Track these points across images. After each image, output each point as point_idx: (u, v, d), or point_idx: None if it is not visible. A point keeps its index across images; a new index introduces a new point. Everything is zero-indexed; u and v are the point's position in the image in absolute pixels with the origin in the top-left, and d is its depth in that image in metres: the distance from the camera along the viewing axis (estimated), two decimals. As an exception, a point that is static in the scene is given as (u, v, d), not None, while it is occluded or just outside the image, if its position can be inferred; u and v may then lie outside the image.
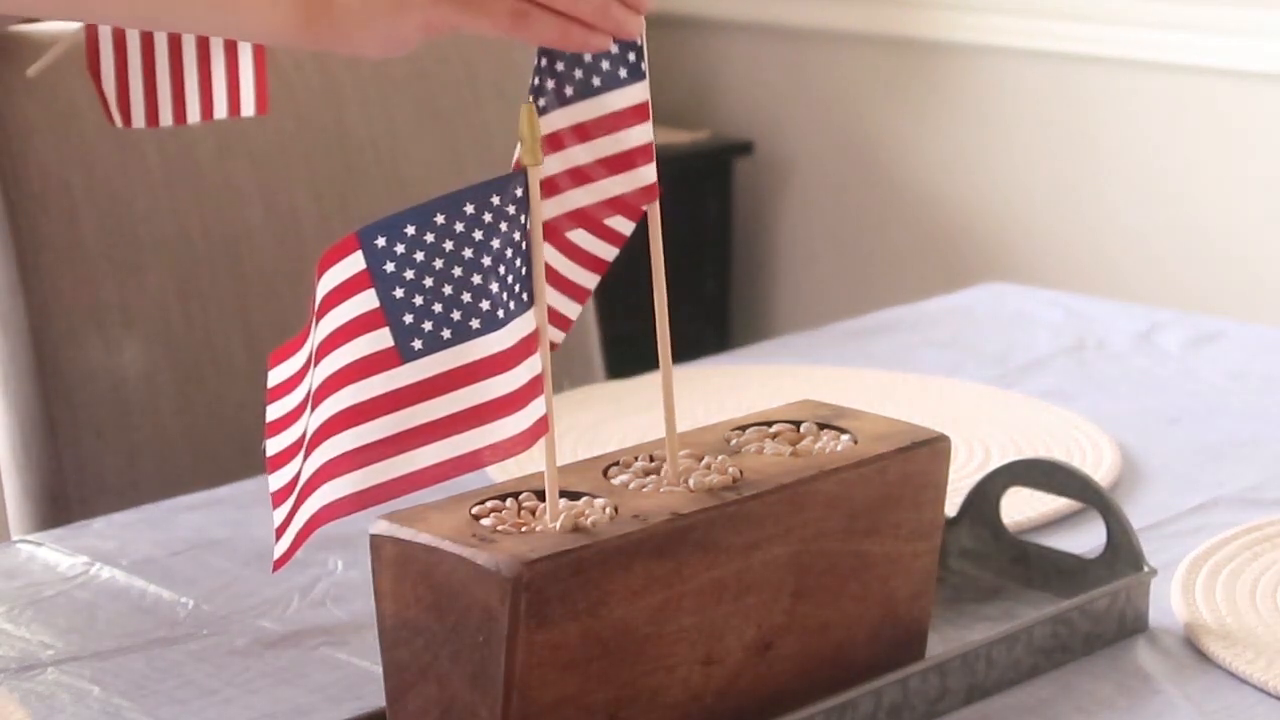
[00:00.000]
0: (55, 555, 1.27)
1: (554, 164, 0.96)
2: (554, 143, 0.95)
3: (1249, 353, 1.71)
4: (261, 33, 1.00)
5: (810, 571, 0.99)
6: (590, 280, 1.01)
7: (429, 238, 0.88)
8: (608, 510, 0.94)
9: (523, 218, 0.90)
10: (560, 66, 0.95)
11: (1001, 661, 1.06)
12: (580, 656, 0.90)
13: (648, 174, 0.97)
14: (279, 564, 0.89)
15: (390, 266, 0.87)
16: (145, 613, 1.18)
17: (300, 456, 0.89)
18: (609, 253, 1.01)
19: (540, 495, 0.95)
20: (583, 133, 0.95)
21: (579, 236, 0.99)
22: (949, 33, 3.31)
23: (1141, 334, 1.77)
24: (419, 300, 0.88)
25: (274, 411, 0.90)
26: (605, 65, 0.95)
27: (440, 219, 0.88)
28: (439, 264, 0.88)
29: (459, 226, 0.88)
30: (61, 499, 1.56)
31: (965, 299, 1.93)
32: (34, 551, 1.27)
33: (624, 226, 1.00)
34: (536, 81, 0.95)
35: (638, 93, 0.96)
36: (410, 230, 0.88)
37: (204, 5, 1.00)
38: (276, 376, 0.90)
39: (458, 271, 0.88)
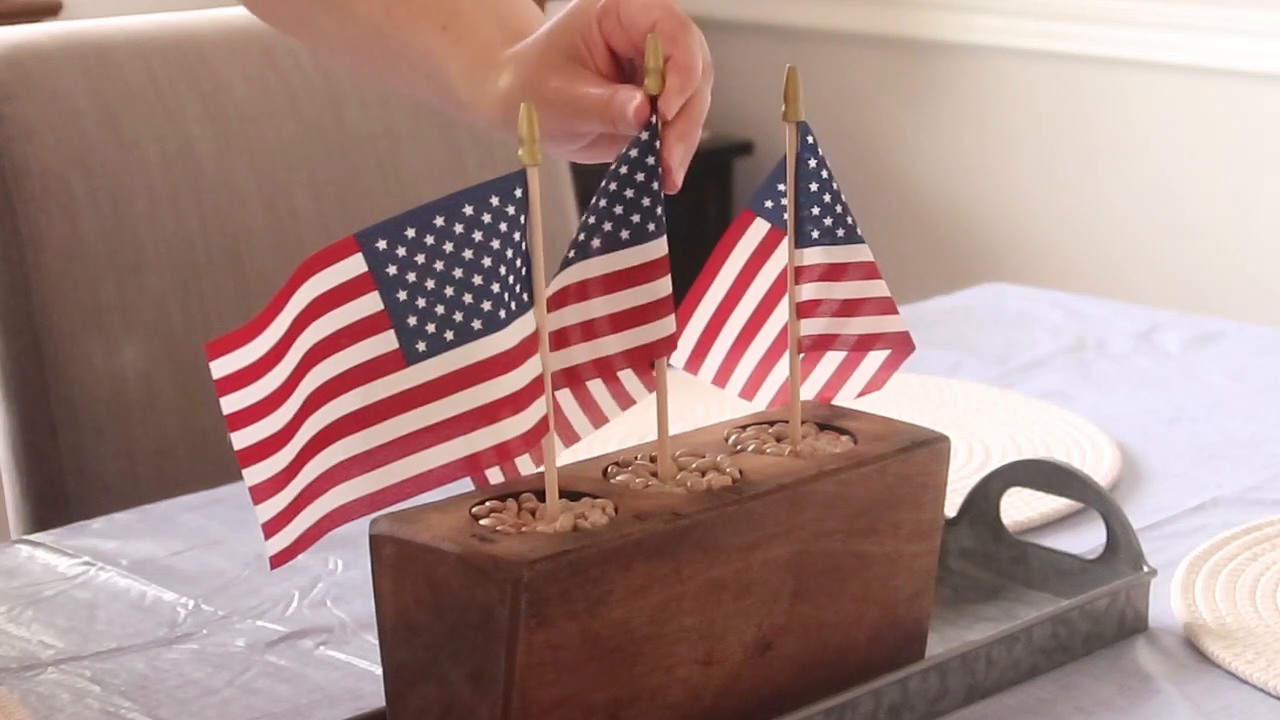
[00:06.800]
0: (55, 555, 1.27)
1: (580, 313, 0.97)
2: (580, 293, 0.96)
3: (1249, 353, 1.71)
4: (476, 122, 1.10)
5: (810, 571, 0.99)
6: (585, 428, 1.02)
7: (429, 240, 0.88)
8: (608, 510, 0.94)
9: (522, 218, 0.90)
10: (591, 219, 0.96)
11: (1001, 661, 1.06)
12: (580, 656, 0.90)
13: (668, 325, 0.98)
14: (278, 561, 0.89)
15: (393, 270, 0.87)
16: (145, 613, 1.18)
17: (286, 451, 0.88)
18: (612, 410, 1.02)
19: (540, 495, 0.95)
20: (608, 284, 0.96)
21: (596, 386, 1.00)
22: (949, 33, 3.32)
23: (1141, 334, 1.77)
24: (422, 303, 0.88)
25: (232, 404, 0.89)
26: (635, 219, 0.96)
27: (440, 221, 0.88)
28: (439, 266, 0.88)
29: (458, 228, 0.89)
30: (61, 499, 1.56)
31: (965, 299, 1.93)
32: (34, 551, 1.27)
33: (635, 388, 1.01)
34: (581, 237, 0.96)
35: (660, 247, 0.97)
36: (410, 233, 0.88)
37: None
38: (223, 368, 0.89)
39: (458, 273, 0.89)
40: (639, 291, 0.96)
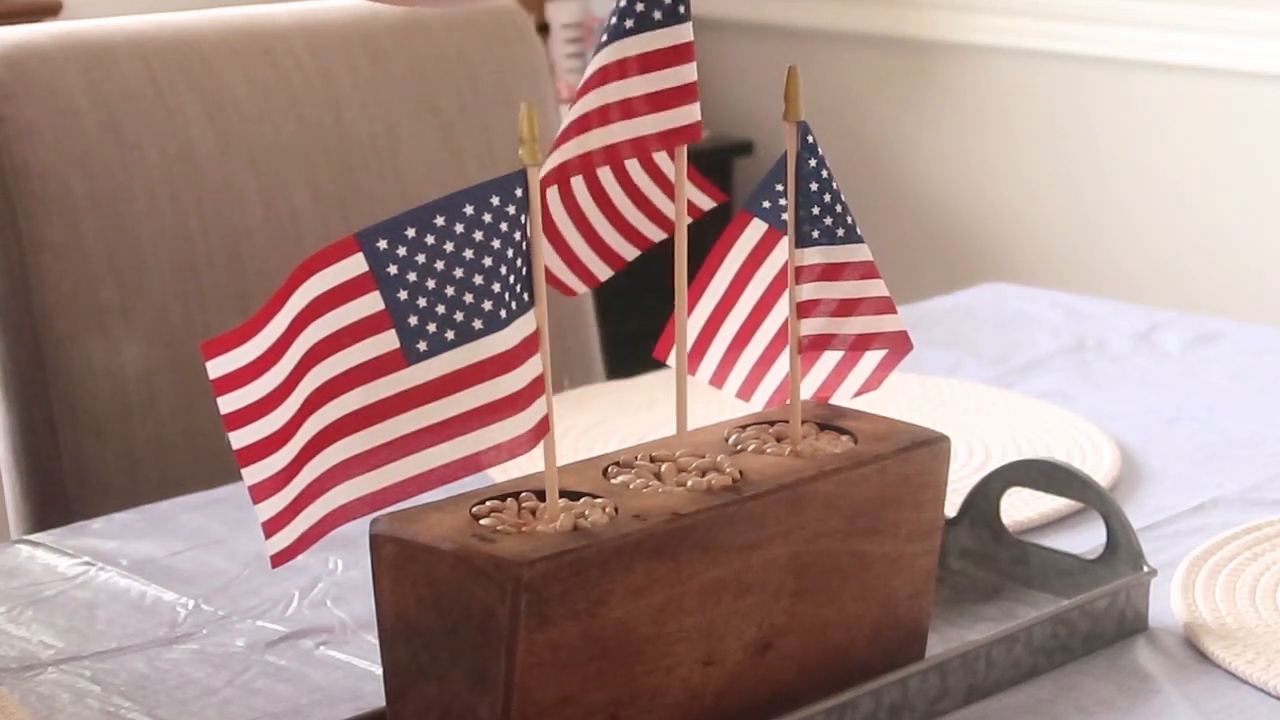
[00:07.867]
0: (55, 555, 1.27)
1: (603, 96, 0.96)
2: (603, 76, 0.96)
3: (1249, 353, 1.71)
4: None
5: (810, 571, 0.99)
6: (627, 250, 1.02)
7: (429, 239, 0.88)
8: (608, 510, 0.94)
9: (522, 218, 0.91)
10: (623, 3, 0.96)
11: (1001, 661, 1.06)
12: (580, 656, 0.90)
13: (692, 112, 0.98)
14: (279, 561, 0.89)
15: (393, 269, 0.88)
16: (145, 613, 1.18)
17: (286, 450, 0.88)
18: (653, 232, 1.02)
19: (540, 495, 0.95)
20: (636, 66, 0.96)
21: (626, 207, 1.00)
22: (949, 33, 3.32)
23: (1141, 334, 1.77)
24: (423, 302, 0.88)
25: (230, 403, 0.89)
26: (668, 0, 0.96)
27: (440, 220, 0.88)
28: (440, 265, 0.88)
29: (459, 228, 0.89)
30: (61, 499, 1.56)
31: (965, 299, 1.93)
32: (34, 551, 1.28)
33: (665, 206, 1.01)
34: (614, 20, 0.96)
35: (686, 31, 0.97)
36: (411, 232, 0.88)
37: None
38: (220, 368, 0.88)
39: (459, 273, 0.89)
40: (668, 74, 0.97)
